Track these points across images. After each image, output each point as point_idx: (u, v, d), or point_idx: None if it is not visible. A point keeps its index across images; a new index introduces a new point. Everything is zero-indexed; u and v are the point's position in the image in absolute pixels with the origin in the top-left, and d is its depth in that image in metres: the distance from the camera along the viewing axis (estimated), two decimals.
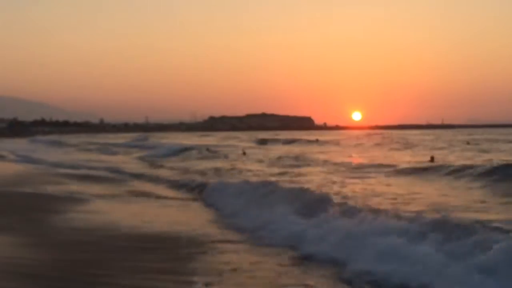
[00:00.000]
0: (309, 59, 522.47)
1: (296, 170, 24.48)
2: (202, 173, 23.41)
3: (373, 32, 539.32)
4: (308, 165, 27.92)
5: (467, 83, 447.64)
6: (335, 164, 27.40)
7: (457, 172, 19.82)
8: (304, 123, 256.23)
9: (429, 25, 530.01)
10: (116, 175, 22.45)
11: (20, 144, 59.78)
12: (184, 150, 40.15)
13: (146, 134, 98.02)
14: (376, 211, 10.00)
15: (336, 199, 12.44)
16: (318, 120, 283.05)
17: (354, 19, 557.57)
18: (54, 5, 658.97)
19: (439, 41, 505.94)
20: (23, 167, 24.43)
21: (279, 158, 33.04)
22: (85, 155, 39.93)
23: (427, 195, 14.94)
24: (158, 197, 15.74)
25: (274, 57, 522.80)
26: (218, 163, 29.26)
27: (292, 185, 15.20)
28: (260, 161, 31.76)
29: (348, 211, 10.23)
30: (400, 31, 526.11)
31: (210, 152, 42.17)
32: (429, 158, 30.29)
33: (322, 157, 33.19)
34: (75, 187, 16.89)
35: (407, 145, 49.01)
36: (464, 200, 13.59)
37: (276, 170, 24.66)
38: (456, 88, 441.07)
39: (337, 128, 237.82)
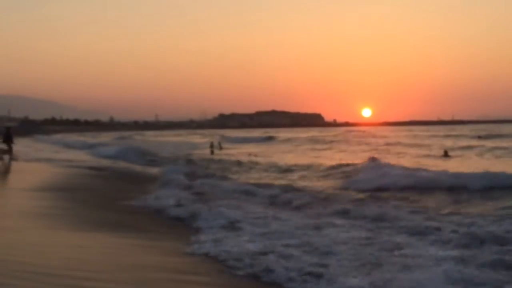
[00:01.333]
0: (319, 56, 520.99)
1: None
2: None
3: (383, 28, 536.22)
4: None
5: (478, 79, 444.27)
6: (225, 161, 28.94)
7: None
8: (314, 120, 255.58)
9: (439, 21, 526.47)
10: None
11: (32, 144, 60.03)
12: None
13: (130, 133, 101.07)
14: None
15: None
16: (328, 117, 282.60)
17: (364, 16, 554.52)
18: (64, 5, 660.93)
19: (450, 37, 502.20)
20: (61, 169, 23.63)
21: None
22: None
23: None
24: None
25: (284, 55, 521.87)
26: None
27: None
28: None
29: None
30: (410, 27, 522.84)
31: (211, 148, 42.05)
32: (442, 153, 29.80)
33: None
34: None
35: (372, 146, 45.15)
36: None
37: None
38: (466, 84, 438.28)
39: (346, 124, 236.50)
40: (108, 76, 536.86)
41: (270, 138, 66.52)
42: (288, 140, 58.99)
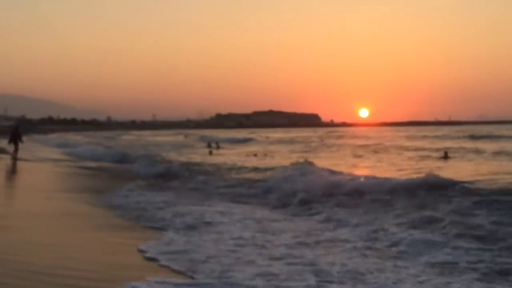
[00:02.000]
0: (317, 56, 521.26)
1: None
2: None
3: (380, 28, 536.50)
4: None
5: (475, 79, 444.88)
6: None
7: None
8: (311, 120, 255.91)
9: (437, 21, 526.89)
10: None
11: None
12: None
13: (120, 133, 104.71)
14: None
15: None
16: (325, 117, 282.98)
17: (361, 15, 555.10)
18: (62, 3, 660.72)
19: (447, 37, 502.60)
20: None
21: None
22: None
23: None
24: None
25: (281, 54, 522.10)
26: None
27: None
28: None
29: None
30: (408, 27, 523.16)
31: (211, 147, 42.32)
32: (442, 154, 29.60)
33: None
34: None
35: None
36: None
37: None
38: (464, 84, 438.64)
39: (343, 125, 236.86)
40: (106, 75, 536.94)
41: (249, 140, 64.13)
42: (265, 142, 57.96)
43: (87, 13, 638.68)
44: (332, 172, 16.74)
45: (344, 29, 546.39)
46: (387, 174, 17.29)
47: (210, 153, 36.33)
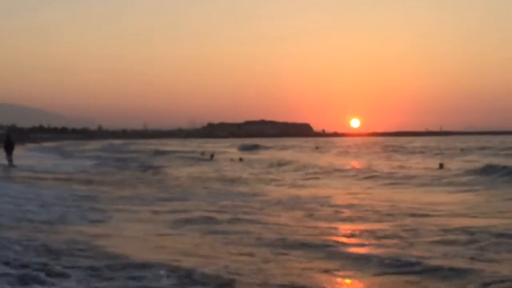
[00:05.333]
0: (308, 66, 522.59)
1: None
2: None
3: (371, 38, 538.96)
4: None
5: (466, 89, 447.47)
6: None
7: None
8: (303, 130, 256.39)
9: (428, 31, 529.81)
10: None
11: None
12: None
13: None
14: None
15: None
16: (316, 127, 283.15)
17: (352, 26, 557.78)
18: (53, 11, 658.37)
19: (439, 47, 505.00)
20: None
21: None
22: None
23: None
24: None
25: (273, 64, 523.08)
26: None
27: None
28: None
29: None
30: (399, 37, 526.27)
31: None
32: (438, 166, 30.22)
33: None
34: None
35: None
36: None
37: None
38: (455, 94, 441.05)
39: (335, 135, 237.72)
40: (97, 84, 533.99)
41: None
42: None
43: (76, 21, 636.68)
44: None
45: (336, 40, 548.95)
46: None
47: (212, 157, 41.13)
